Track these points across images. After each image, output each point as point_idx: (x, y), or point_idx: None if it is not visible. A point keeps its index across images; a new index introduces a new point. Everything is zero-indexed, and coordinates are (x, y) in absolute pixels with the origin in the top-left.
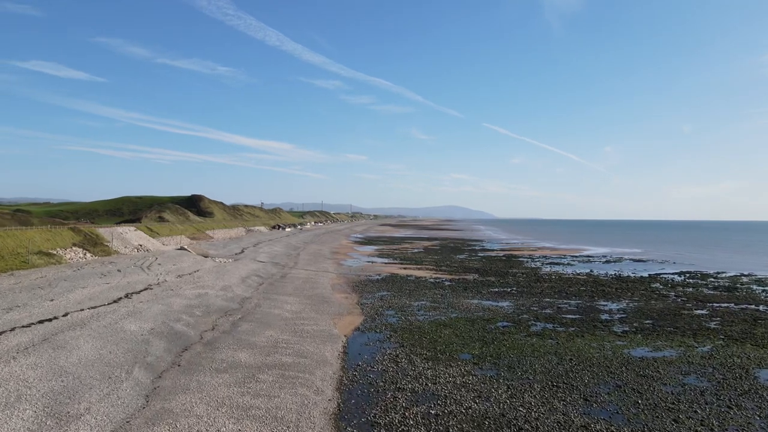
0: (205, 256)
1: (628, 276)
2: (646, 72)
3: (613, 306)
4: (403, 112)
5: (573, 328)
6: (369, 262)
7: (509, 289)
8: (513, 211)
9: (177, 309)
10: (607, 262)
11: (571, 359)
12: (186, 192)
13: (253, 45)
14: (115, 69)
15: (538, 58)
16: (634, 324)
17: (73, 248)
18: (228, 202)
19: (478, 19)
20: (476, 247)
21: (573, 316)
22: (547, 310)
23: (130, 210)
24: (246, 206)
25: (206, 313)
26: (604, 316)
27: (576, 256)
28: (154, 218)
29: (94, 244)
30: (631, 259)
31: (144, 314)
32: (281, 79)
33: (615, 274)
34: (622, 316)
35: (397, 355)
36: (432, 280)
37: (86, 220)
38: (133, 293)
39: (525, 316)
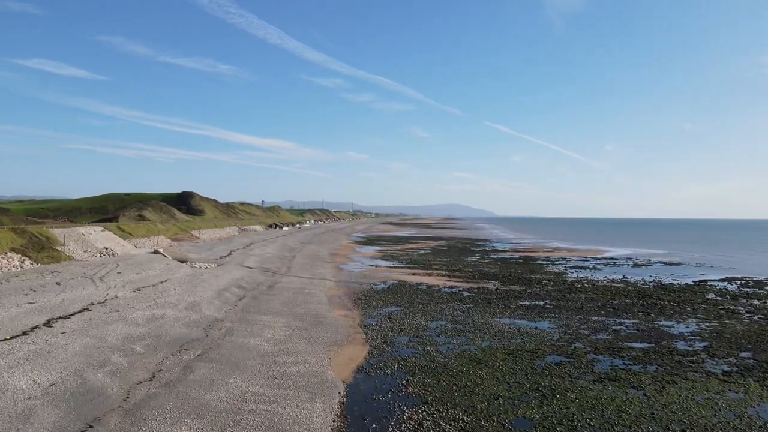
0: (183, 261)
1: (671, 284)
2: (647, 70)
3: (683, 328)
4: (404, 110)
5: (653, 367)
6: (372, 266)
7: (542, 303)
8: (514, 209)
9: (111, 343)
10: (636, 265)
11: (684, 430)
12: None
13: (254, 43)
14: (116, 67)
15: (539, 56)
16: (729, 359)
17: (9, 254)
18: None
19: (478, 17)
20: (486, 248)
21: (640, 345)
22: (602, 335)
23: (116, 207)
24: (242, 204)
25: (152, 348)
26: (681, 345)
27: (599, 259)
28: (133, 216)
29: (40, 248)
30: (661, 262)
31: (55, 355)
32: (283, 78)
33: (654, 281)
34: (704, 344)
35: (420, 422)
36: (447, 289)
37: (65, 218)
38: (59, 318)
39: (578, 345)
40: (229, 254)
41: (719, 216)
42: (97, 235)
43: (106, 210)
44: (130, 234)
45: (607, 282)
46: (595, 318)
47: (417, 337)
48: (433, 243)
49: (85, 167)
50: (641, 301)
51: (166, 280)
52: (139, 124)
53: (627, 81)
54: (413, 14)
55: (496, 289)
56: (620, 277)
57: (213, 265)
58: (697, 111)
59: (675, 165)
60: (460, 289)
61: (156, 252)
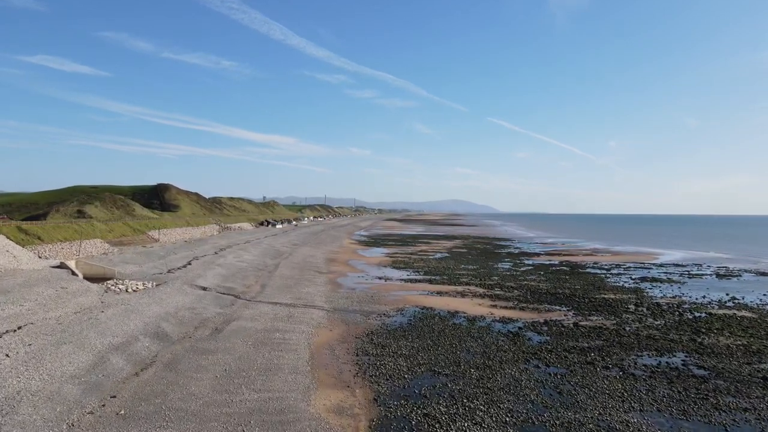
0: (102, 279)
1: None
2: (649, 66)
3: None
4: (407, 106)
5: None
6: (380, 278)
7: (678, 361)
8: (517, 205)
9: None
10: (721, 276)
11: None
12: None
13: (257, 39)
14: (119, 63)
15: (541, 52)
16: None
17: None
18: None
19: (481, 13)
20: (512, 250)
21: None
22: None
23: (81, 202)
24: (231, 199)
25: None
26: None
27: (661, 266)
28: (71, 212)
29: None
30: (747, 272)
31: None
32: (286, 74)
33: None
34: None
35: None
36: (500, 325)
37: (5, 215)
38: None
39: None
40: (188, 264)
41: (724, 212)
42: None
43: (70, 204)
44: (39, 238)
45: (720, 306)
46: None
47: None
48: (448, 243)
49: (87, 164)
50: None
51: (19, 328)
52: (142, 120)
53: (629, 77)
54: (416, 11)
55: (575, 324)
56: (725, 296)
57: (149, 285)
58: (700, 107)
59: (678, 161)
60: (520, 324)
61: (61, 265)
